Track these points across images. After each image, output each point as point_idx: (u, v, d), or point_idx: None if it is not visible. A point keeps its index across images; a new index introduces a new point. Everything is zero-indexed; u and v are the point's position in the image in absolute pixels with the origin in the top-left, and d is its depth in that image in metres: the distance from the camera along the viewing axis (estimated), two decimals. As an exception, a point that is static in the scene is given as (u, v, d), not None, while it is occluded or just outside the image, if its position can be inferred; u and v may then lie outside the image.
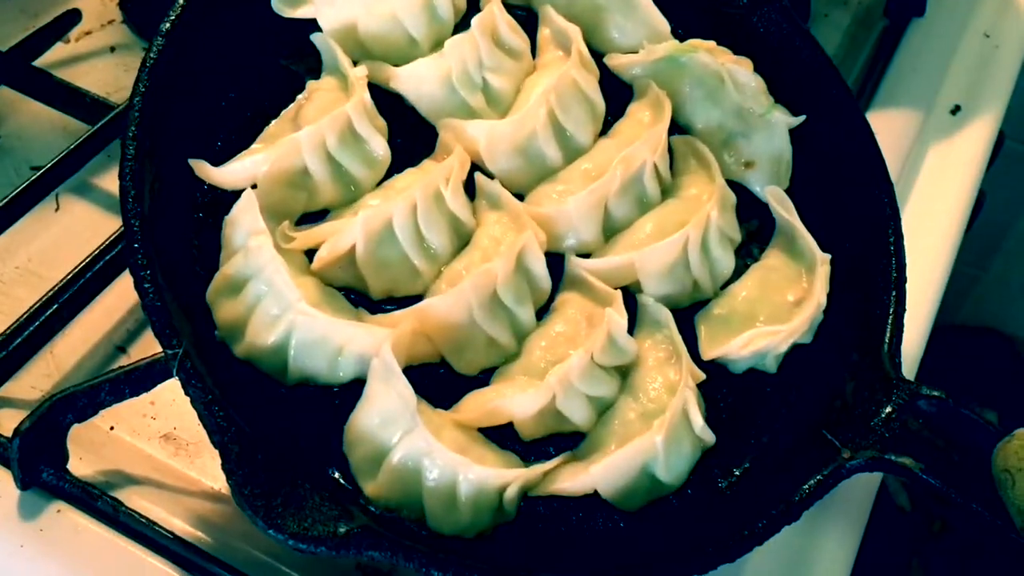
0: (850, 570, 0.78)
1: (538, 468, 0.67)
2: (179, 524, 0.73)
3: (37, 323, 0.80)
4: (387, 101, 0.82)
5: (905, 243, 0.96)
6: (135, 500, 0.73)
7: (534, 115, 0.78)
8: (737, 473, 0.70)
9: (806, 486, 0.64)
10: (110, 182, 0.96)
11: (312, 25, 0.83)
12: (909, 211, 1.01)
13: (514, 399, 0.68)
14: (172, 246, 0.71)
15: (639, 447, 0.66)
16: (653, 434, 0.66)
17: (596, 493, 0.68)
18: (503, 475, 0.65)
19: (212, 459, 0.73)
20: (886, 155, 1.04)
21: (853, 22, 1.22)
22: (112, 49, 1.11)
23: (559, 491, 0.67)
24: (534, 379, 0.70)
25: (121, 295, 0.85)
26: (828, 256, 0.76)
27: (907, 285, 0.89)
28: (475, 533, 0.65)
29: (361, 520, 0.60)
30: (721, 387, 0.75)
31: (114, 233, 0.86)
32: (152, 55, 0.73)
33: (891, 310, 0.73)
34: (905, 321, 0.89)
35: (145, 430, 0.78)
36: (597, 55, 0.86)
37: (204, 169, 0.74)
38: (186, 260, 0.73)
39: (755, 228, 0.81)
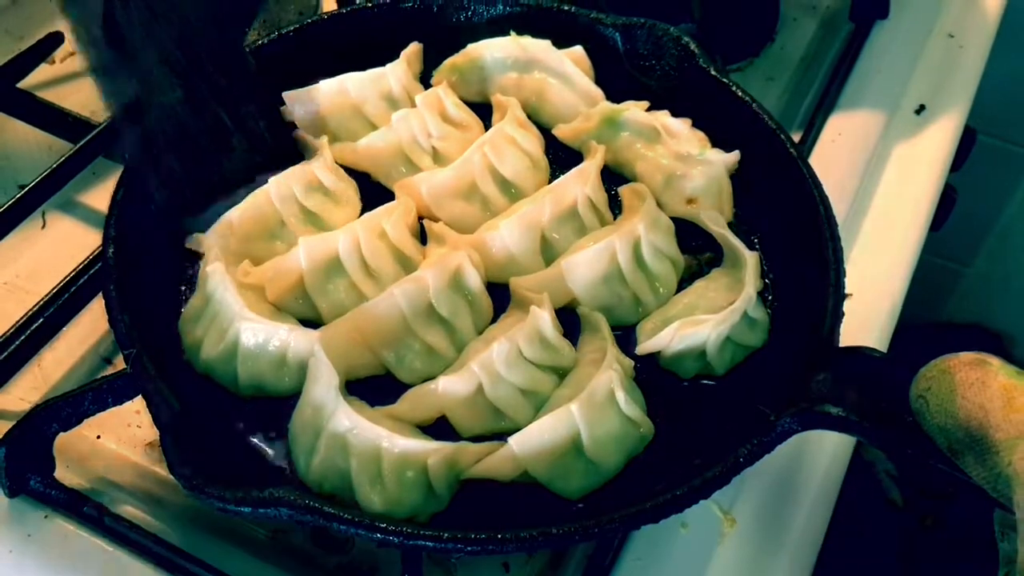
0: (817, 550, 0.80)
1: (463, 443, 0.69)
2: (164, 528, 0.75)
3: (24, 336, 0.82)
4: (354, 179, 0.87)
5: (870, 241, 0.99)
6: (121, 506, 0.76)
7: (470, 161, 0.85)
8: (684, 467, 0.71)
9: (742, 449, 0.66)
10: (94, 199, 0.99)
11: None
12: (874, 210, 1.03)
13: (439, 380, 0.72)
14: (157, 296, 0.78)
15: (556, 415, 0.69)
16: (571, 404, 0.69)
17: (541, 488, 0.69)
18: (425, 446, 0.67)
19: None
20: (851, 155, 1.07)
21: (820, 26, 1.24)
22: (95, 69, 1.13)
23: (486, 471, 0.69)
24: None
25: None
26: (756, 252, 0.79)
27: (873, 281, 0.93)
28: (406, 513, 0.67)
29: (287, 490, 0.63)
30: (670, 390, 0.76)
31: (98, 248, 0.87)
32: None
33: (830, 297, 0.74)
34: (872, 317, 0.92)
35: (131, 438, 0.81)
36: (547, 130, 0.93)
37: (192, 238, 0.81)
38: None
39: (708, 259, 0.84)
